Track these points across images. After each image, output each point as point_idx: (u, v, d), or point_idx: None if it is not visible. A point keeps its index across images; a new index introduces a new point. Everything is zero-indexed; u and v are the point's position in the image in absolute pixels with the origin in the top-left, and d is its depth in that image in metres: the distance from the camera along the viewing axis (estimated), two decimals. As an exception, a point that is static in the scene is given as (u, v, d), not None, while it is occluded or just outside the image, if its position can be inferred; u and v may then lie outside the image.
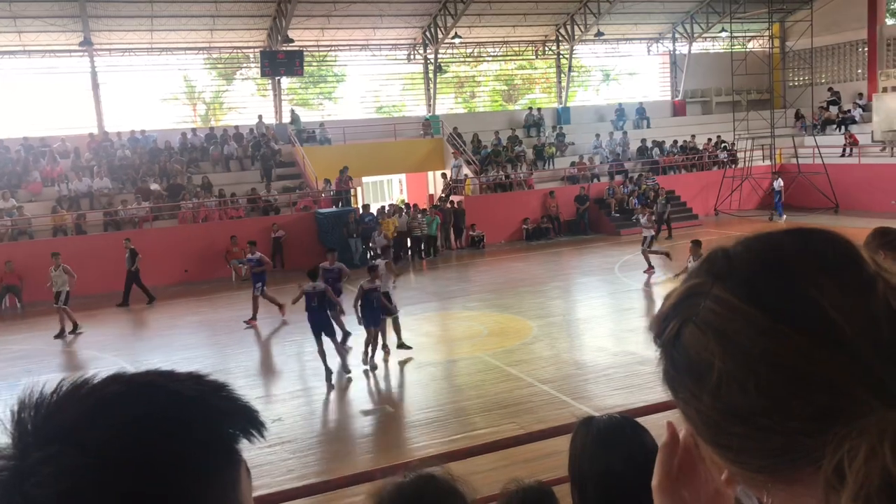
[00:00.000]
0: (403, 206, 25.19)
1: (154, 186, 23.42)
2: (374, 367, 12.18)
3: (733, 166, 28.96)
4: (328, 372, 11.67)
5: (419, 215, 24.13)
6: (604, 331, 14.14)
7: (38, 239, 21.06)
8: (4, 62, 25.45)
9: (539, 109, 31.23)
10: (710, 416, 0.68)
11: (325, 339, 11.88)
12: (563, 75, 32.46)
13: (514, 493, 2.15)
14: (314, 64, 29.82)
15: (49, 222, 21.75)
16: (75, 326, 16.21)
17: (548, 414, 9.75)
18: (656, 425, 1.89)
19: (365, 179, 31.66)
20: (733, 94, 30.96)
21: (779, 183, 26.28)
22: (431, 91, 30.48)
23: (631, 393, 10.18)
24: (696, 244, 13.72)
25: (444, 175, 27.24)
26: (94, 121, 26.14)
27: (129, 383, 0.71)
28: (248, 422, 0.74)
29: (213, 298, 18.96)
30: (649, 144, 29.81)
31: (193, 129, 26.82)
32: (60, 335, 15.96)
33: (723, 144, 30.27)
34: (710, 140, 30.52)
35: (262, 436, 0.74)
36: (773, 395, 0.64)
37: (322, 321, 11.87)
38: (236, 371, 12.55)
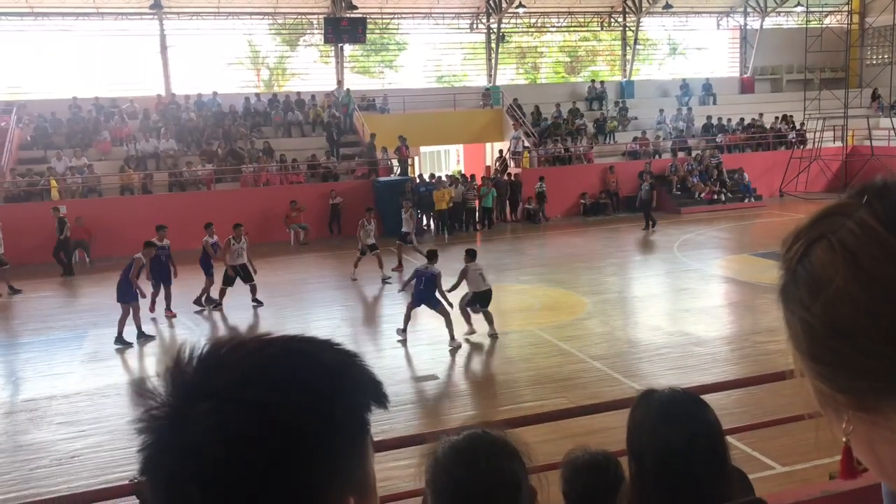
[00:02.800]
0: (459, 177, 25.18)
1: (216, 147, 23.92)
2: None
3: (801, 147, 28.06)
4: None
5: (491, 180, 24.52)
6: (659, 310, 13.97)
7: (106, 197, 21.78)
8: (78, 23, 26.16)
9: (602, 82, 30.67)
10: (814, 327, 0.69)
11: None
12: (628, 48, 31.78)
13: (580, 458, 2.16)
14: (376, 32, 29.82)
15: (117, 181, 22.45)
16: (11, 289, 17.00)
17: (599, 390, 9.73)
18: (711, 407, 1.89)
19: (423, 149, 31.70)
20: (805, 71, 29.85)
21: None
22: (493, 61, 30.22)
23: (685, 373, 10.07)
24: (469, 254, 12.07)
25: (500, 151, 27.10)
26: (161, 83, 26.77)
27: (284, 348, 0.78)
28: (378, 393, 0.80)
29: (272, 261, 19.30)
30: (715, 122, 29.08)
31: (257, 94, 27.22)
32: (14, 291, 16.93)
33: (791, 124, 29.31)
34: (777, 118, 29.60)
35: (387, 407, 0.80)
36: (882, 320, 0.65)
37: (165, 273, 14.27)
38: (293, 333, 12.79)
